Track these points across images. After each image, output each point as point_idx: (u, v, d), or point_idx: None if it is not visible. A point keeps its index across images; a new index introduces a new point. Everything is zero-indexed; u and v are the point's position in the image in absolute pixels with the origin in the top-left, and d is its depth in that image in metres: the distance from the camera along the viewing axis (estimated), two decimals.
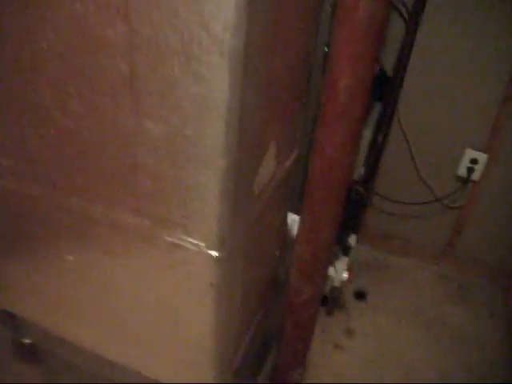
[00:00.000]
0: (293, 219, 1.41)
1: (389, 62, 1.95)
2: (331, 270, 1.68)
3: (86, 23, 0.79)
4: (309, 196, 1.24)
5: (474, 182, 2.06)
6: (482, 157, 1.99)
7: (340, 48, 1.05)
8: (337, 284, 1.71)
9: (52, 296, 1.21)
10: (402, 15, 1.88)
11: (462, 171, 2.05)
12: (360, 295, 1.72)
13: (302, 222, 1.29)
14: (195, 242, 0.91)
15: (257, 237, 1.11)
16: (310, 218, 1.27)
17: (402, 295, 2.13)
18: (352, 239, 1.79)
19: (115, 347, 1.20)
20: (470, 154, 2.01)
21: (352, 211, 1.78)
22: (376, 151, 2.02)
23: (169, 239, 0.93)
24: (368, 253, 2.34)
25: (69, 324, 1.23)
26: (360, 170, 2.01)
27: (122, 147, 0.88)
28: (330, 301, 1.94)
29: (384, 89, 1.96)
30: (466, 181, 2.06)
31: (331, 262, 1.68)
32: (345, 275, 1.67)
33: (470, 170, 2.03)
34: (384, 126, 2.01)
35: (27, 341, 1.36)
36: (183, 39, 0.73)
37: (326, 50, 1.33)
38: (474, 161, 2.01)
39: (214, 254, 0.90)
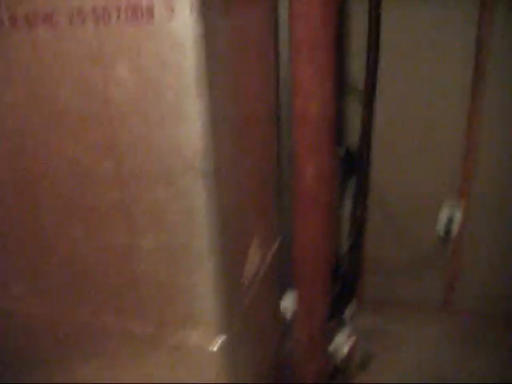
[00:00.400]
0: (288, 303, 1.49)
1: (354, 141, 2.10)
2: (332, 346, 1.74)
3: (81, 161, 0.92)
4: (297, 285, 1.34)
5: (454, 237, 2.16)
6: (457, 213, 2.10)
7: (300, 145, 1.20)
8: (340, 358, 1.77)
9: None
10: (356, 96, 2.06)
11: (440, 229, 2.15)
12: (363, 366, 1.77)
13: (298, 303, 1.38)
14: (196, 338, 1.00)
15: (254, 326, 1.20)
16: (302, 299, 1.37)
17: (404, 359, 2.16)
18: (349, 311, 1.86)
19: None
20: (446, 210, 2.12)
21: (343, 286, 1.86)
22: (357, 225, 2.13)
23: (171, 341, 1.02)
24: (367, 320, 2.39)
25: None
26: (346, 244, 2.12)
27: (121, 263, 1.00)
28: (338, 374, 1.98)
29: (353, 166, 2.10)
30: (446, 238, 2.16)
31: (331, 338, 1.74)
32: (346, 348, 1.73)
33: (448, 227, 2.13)
34: (360, 200, 2.14)
35: None
36: (163, 167, 0.87)
37: None
38: (450, 219, 2.12)
39: (215, 346, 0.99)
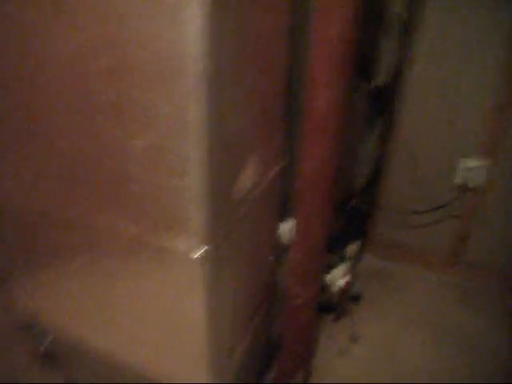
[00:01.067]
0: (285, 227, 1.50)
1: (383, 78, 2.04)
2: (329, 277, 1.76)
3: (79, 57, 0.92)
4: (299, 201, 1.34)
5: (472, 189, 2.12)
6: (479, 165, 2.05)
7: (316, 65, 1.16)
8: (334, 290, 1.79)
9: (63, 300, 1.33)
10: (395, 30, 1.98)
11: (459, 179, 2.11)
12: (355, 298, 1.80)
13: (297, 226, 1.39)
14: (180, 243, 1.02)
15: (244, 242, 1.21)
16: (301, 222, 1.37)
17: (408, 302, 2.19)
18: (352, 247, 1.87)
19: (118, 346, 1.31)
20: (465, 162, 2.07)
21: (351, 221, 1.86)
22: (376, 163, 2.11)
23: (158, 243, 1.05)
24: (374, 262, 2.41)
25: (78, 326, 1.35)
26: (361, 181, 2.10)
27: (114, 159, 1.00)
28: (337, 307, 2.02)
29: (381, 103, 2.05)
30: (464, 188, 2.12)
31: (329, 269, 1.76)
32: (342, 281, 1.75)
33: (467, 179, 2.09)
34: (383, 138, 2.10)
35: (43, 349, 1.48)
36: (158, 64, 0.85)
37: None
38: (470, 169, 2.07)
39: (199, 252, 1.01)
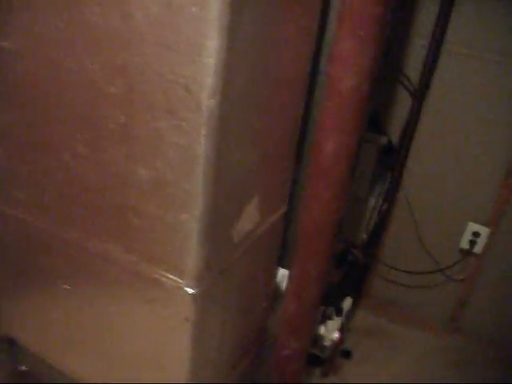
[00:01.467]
0: (283, 274, 1.48)
1: (397, 135, 2.05)
2: (322, 329, 1.73)
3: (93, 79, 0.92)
4: (297, 250, 1.33)
5: (477, 255, 2.10)
6: (484, 230, 2.04)
7: (325, 115, 1.17)
8: (327, 343, 1.75)
9: (47, 322, 1.30)
10: (408, 89, 2.00)
11: (464, 244, 2.09)
12: (345, 354, 1.75)
13: (290, 277, 1.37)
14: (173, 278, 1.00)
15: (238, 284, 1.19)
16: (297, 272, 1.35)
17: (400, 362, 2.13)
18: (347, 301, 1.84)
19: (100, 375, 1.28)
20: (473, 227, 2.06)
21: (349, 274, 1.84)
22: (379, 218, 2.09)
23: (151, 274, 1.03)
24: (370, 319, 2.36)
25: (60, 350, 1.32)
26: (362, 236, 2.09)
27: (116, 188, 1.00)
28: (325, 362, 1.97)
29: (391, 159, 2.06)
30: (468, 253, 2.10)
31: (323, 322, 1.73)
32: (336, 335, 1.71)
33: (472, 243, 2.07)
34: (389, 194, 2.09)
35: (24, 368, 1.44)
36: (168, 97, 0.86)
37: None
38: (476, 234, 2.05)
39: (190, 290, 0.99)
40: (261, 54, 0.92)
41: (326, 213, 1.23)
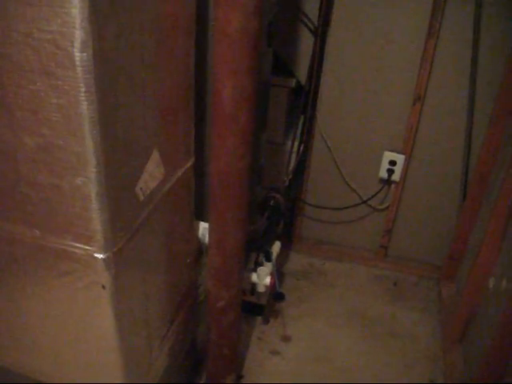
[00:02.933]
0: (204, 228, 1.47)
1: (304, 75, 2.05)
2: (255, 277, 1.74)
3: None
4: (212, 202, 1.31)
5: (396, 182, 2.16)
6: (400, 158, 2.09)
7: (219, 60, 1.14)
8: (261, 290, 1.78)
9: None
10: (309, 28, 1.99)
11: (383, 173, 2.15)
12: (278, 296, 1.78)
13: (210, 228, 1.36)
14: (81, 246, 0.97)
15: (154, 242, 1.17)
16: (215, 223, 1.35)
17: (339, 298, 2.20)
18: (276, 246, 1.86)
19: (29, 359, 1.24)
20: (389, 156, 2.11)
21: (273, 219, 1.85)
22: (298, 160, 2.11)
23: (59, 247, 0.99)
24: (304, 260, 2.41)
25: None
26: (284, 180, 2.10)
27: (5, 162, 0.94)
28: (265, 309, 2.00)
29: (301, 100, 2.06)
30: (387, 182, 2.16)
31: (255, 269, 1.74)
32: (267, 280, 1.73)
33: (390, 172, 2.12)
34: (304, 135, 2.11)
35: None
36: (40, 56, 0.80)
37: None
38: (392, 162, 2.11)
39: (101, 256, 0.96)
40: (134, 1, 0.88)
41: (233, 160, 1.22)
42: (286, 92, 2.03)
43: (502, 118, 1.82)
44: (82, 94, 0.81)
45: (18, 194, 0.96)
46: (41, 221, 0.98)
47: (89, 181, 0.89)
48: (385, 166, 2.14)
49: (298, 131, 2.12)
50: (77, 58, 0.78)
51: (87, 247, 0.96)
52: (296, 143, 2.11)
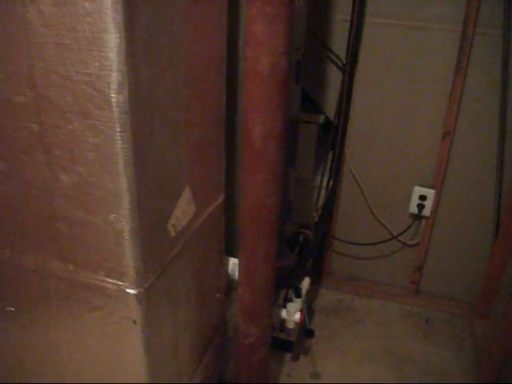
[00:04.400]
0: (234, 263, 1.47)
1: (333, 112, 2.07)
2: (284, 313, 1.73)
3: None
4: (241, 238, 1.32)
5: (426, 217, 2.14)
6: (430, 192, 2.08)
7: (248, 98, 1.16)
8: (290, 326, 1.76)
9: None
10: (337, 65, 2.02)
11: (413, 208, 2.13)
12: (308, 333, 1.76)
13: (239, 264, 1.37)
14: (114, 281, 0.98)
15: (184, 278, 1.18)
16: (245, 259, 1.35)
17: (369, 335, 2.16)
18: (305, 282, 1.85)
19: None
20: (419, 191, 2.10)
21: (303, 255, 1.85)
22: (327, 196, 2.11)
23: (91, 282, 1.01)
24: (333, 296, 2.39)
25: (17, 374, 1.28)
26: (313, 216, 2.10)
27: (41, 199, 0.97)
28: (294, 346, 1.98)
29: (330, 136, 2.07)
30: (418, 217, 2.14)
31: (284, 306, 1.73)
32: (297, 316, 1.72)
33: (421, 207, 2.11)
34: (333, 170, 2.11)
35: None
36: (78, 97, 0.84)
37: None
38: (422, 197, 2.09)
39: (133, 291, 0.98)
40: (167, 42, 0.91)
41: (263, 196, 1.23)
42: (315, 128, 2.05)
43: None
44: (118, 134, 0.83)
45: (53, 229, 0.99)
46: (74, 256, 1.00)
47: (122, 217, 0.91)
48: (415, 200, 2.12)
49: (327, 167, 2.12)
50: (113, 100, 0.81)
51: (119, 282, 0.98)
52: (325, 179, 2.12)
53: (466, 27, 1.79)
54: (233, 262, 1.49)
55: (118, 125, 0.83)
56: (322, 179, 2.11)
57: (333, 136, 2.07)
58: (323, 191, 2.14)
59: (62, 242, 0.99)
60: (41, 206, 0.98)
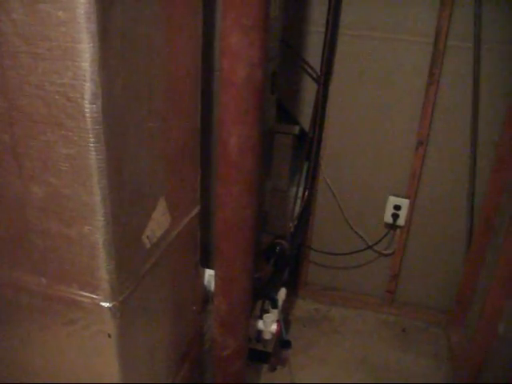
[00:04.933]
0: (210, 275, 1.47)
1: (308, 122, 2.08)
2: (261, 324, 1.72)
3: None
4: (217, 249, 1.31)
5: (401, 227, 2.16)
6: (404, 202, 2.10)
7: (224, 109, 1.16)
8: (267, 337, 1.75)
9: None
10: (312, 77, 2.04)
11: (388, 218, 2.15)
12: (284, 344, 1.76)
13: (216, 276, 1.36)
14: (88, 294, 0.97)
15: (159, 291, 1.17)
16: (221, 271, 1.34)
17: (345, 345, 2.17)
18: (281, 293, 1.85)
19: None
20: (393, 200, 2.11)
21: (279, 265, 1.84)
22: (303, 206, 2.11)
23: (65, 295, 0.99)
24: (310, 306, 2.39)
25: None
26: (289, 226, 2.10)
27: (15, 211, 0.95)
28: (271, 356, 1.97)
29: (305, 146, 2.08)
30: (393, 227, 2.16)
31: (261, 316, 1.73)
32: (274, 327, 1.71)
33: (395, 216, 2.13)
34: (309, 181, 2.12)
35: None
36: (51, 108, 0.82)
37: None
38: (397, 207, 2.11)
39: (107, 304, 0.96)
40: (142, 52, 0.91)
41: (238, 208, 1.23)
42: (290, 139, 2.06)
43: (504, 162, 1.84)
44: (91, 145, 0.82)
45: (26, 241, 0.97)
46: (48, 269, 0.99)
47: (96, 229, 0.89)
48: (390, 210, 2.14)
49: (303, 177, 2.13)
50: (86, 110, 0.80)
51: (94, 296, 0.96)
52: (301, 189, 2.12)
53: (437, 40, 1.82)
54: (209, 274, 1.48)
55: (91, 135, 0.82)
56: (297, 189, 2.12)
57: (308, 147, 2.08)
58: (299, 201, 2.15)
59: (35, 255, 0.98)
60: (13, 219, 0.96)
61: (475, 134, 1.93)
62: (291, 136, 2.07)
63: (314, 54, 2.01)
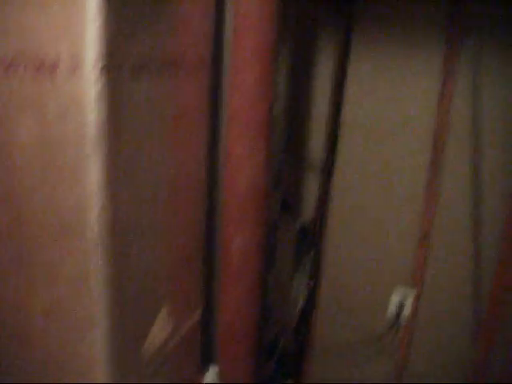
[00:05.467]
0: (211, 375, 1.43)
1: (311, 215, 2.10)
2: None
3: None
4: (221, 351, 1.30)
5: (406, 320, 2.12)
6: (410, 292, 2.07)
7: (227, 217, 1.18)
8: None
9: None
10: (316, 171, 2.07)
11: (393, 308, 2.11)
12: None
13: (220, 376, 1.33)
14: None
15: None
16: (224, 373, 1.32)
17: None
18: None
19: None
20: (399, 290, 2.09)
21: (281, 360, 1.81)
22: (306, 299, 2.10)
23: None
24: None
25: None
26: (292, 320, 2.07)
27: (16, 319, 0.95)
28: None
29: (308, 239, 2.09)
30: (398, 318, 2.12)
31: None
32: None
33: (400, 308, 2.09)
34: (312, 273, 2.11)
35: None
36: (61, 225, 0.85)
37: None
38: (402, 297, 2.09)
39: None
40: (147, 171, 0.94)
41: (242, 311, 1.22)
42: (293, 232, 2.07)
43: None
44: (99, 256, 0.85)
45: (28, 353, 0.96)
46: (49, 380, 0.97)
47: (96, 341, 0.89)
48: (395, 300, 2.11)
49: (306, 270, 2.12)
50: (93, 223, 0.82)
51: None
52: (304, 281, 2.11)
53: (437, 136, 1.87)
54: (213, 370, 1.44)
55: (98, 248, 0.84)
56: (300, 282, 2.11)
57: (311, 239, 2.09)
58: (302, 294, 2.13)
59: (37, 366, 0.97)
60: (16, 328, 0.96)
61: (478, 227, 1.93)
62: (294, 230, 2.08)
63: (316, 149, 2.05)
